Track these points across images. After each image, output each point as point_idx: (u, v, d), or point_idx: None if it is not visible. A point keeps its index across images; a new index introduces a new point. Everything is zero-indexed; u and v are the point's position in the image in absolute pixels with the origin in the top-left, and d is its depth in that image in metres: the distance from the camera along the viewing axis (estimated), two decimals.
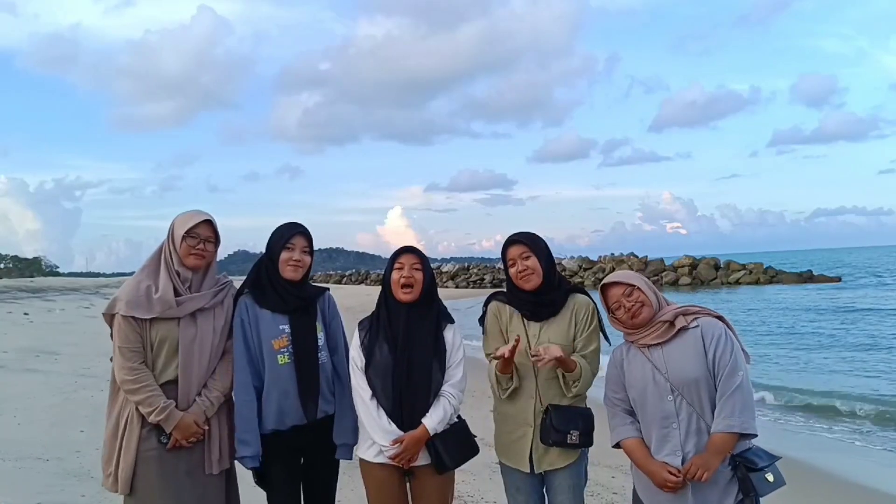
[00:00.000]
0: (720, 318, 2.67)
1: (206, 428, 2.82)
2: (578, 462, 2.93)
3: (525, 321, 2.92)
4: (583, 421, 2.85)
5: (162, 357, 2.77)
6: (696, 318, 2.65)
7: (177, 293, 2.80)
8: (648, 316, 2.66)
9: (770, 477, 2.50)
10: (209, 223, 2.89)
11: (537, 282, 2.89)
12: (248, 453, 2.84)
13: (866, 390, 10.89)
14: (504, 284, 3.08)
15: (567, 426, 2.81)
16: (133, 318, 2.73)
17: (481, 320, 3.04)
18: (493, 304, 3.02)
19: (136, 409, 2.72)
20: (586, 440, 2.85)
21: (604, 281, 2.77)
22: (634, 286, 2.67)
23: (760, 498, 2.53)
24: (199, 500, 2.79)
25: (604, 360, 2.91)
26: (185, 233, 2.82)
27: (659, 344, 2.65)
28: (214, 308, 2.91)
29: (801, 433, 8.24)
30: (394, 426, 2.79)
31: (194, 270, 2.87)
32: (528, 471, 2.89)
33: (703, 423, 2.57)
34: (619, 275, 2.74)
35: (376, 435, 2.79)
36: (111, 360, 2.80)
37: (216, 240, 2.93)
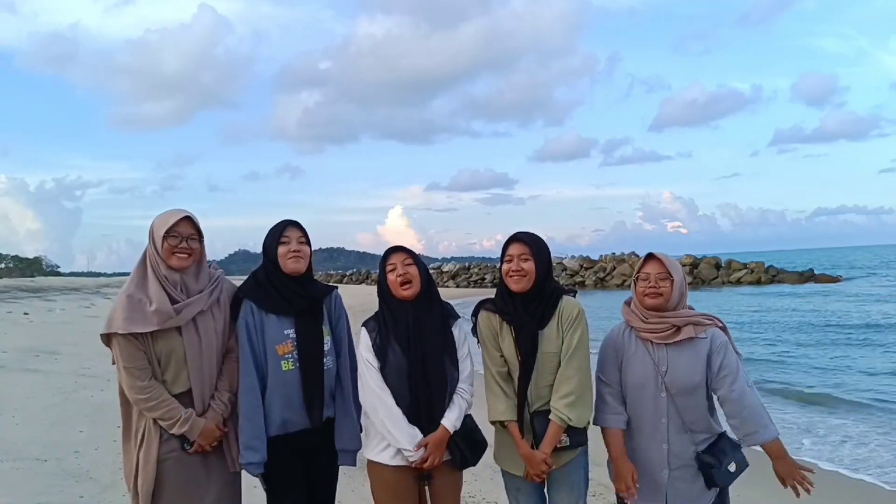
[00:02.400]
0: (723, 328, 2.79)
1: (226, 430, 2.81)
2: (578, 460, 2.90)
3: (513, 330, 2.85)
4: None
5: (171, 370, 2.71)
6: (705, 331, 2.73)
7: (172, 300, 2.70)
8: (657, 306, 2.74)
9: (732, 467, 2.65)
10: (189, 220, 2.79)
11: (526, 286, 2.83)
12: (255, 459, 2.78)
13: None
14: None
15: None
16: (133, 334, 2.64)
17: (473, 330, 2.99)
18: (483, 314, 2.96)
19: (154, 421, 2.69)
20: (578, 439, 2.82)
21: (653, 252, 2.82)
22: (671, 277, 2.74)
23: (728, 487, 2.73)
24: (219, 499, 2.78)
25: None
26: (166, 233, 2.72)
27: (663, 344, 2.73)
28: (212, 309, 2.84)
29: (792, 425, 8.22)
30: (416, 429, 2.76)
31: (180, 271, 2.77)
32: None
33: (687, 422, 2.71)
34: (668, 259, 2.79)
35: (402, 440, 2.75)
36: (113, 362, 2.75)
37: (199, 236, 2.84)
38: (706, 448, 2.70)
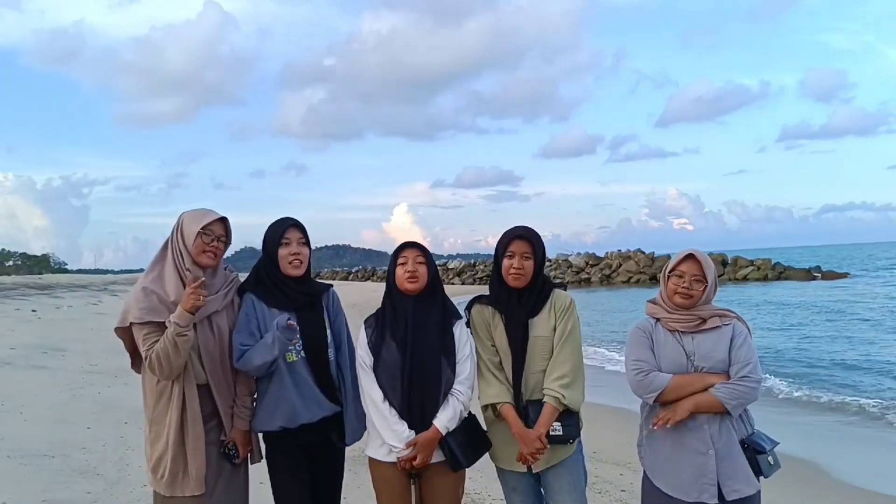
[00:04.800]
0: (748, 330, 2.84)
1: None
2: (575, 458, 2.90)
3: (503, 318, 2.90)
4: (563, 411, 2.80)
5: (186, 363, 2.72)
6: (730, 321, 2.79)
7: None
8: (684, 306, 2.78)
9: (771, 459, 2.71)
10: (223, 221, 2.85)
11: (523, 284, 2.88)
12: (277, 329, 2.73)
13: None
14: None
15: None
16: (150, 323, 2.67)
17: (468, 324, 3.01)
18: (476, 307, 2.99)
19: (193, 408, 2.71)
20: (571, 430, 2.80)
21: (693, 252, 2.80)
22: (705, 282, 2.76)
23: (763, 479, 2.74)
24: (227, 490, 2.82)
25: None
26: (201, 229, 2.77)
27: (688, 332, 2.78)
28: (227, 310, 2.89)
29: (810, 429, 8.18)
30: (404, 426, 2.76)
31: (205, 269, 2.82)
32: (525, 470, 2.86)
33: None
34: (706, 261, 2.80)
35: (389, 438, 2.76)
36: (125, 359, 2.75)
37: (228, 239, 2.89)
38: (747, 437, 2.74)
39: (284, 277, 2.92)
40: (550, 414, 2.77)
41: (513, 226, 2.99)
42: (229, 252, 2.99)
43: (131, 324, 2.70)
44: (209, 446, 2.77)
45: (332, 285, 3.14)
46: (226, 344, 2.84)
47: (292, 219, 2.99)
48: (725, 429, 2.70)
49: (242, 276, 3.06)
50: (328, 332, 2.98)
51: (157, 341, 2.64)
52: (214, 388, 2.79)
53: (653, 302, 2.92)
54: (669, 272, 2.83)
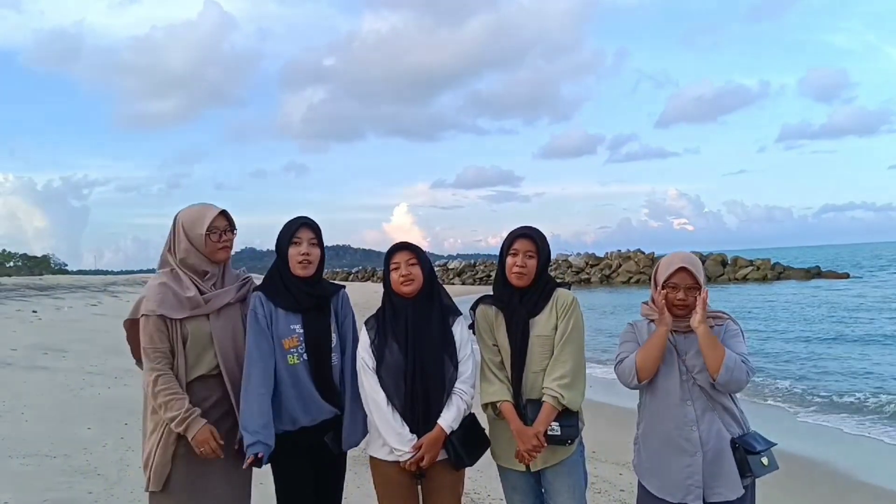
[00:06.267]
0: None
1: (222, 443, 2.74)
2: (575, 459, 2.90)
3: (506, 319, 2.92)
4: (562, 411, 2.80)
5: (194, 351, 2.74)
6: (723, 322, 2.81)
7: (200, 291, 2.78)
8: (685, 315, 2.77)
9: (765, 460, 2.70)
10: (224, 214, 2.87)
11: (526, 283, 2.90)
12: (251, 441, 2.70)
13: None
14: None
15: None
16: (162, 317, 2.70)
17: (471, 327, 3.02)
18: (480, 308, 3.02)
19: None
20: (569, 431, 2.81)
21: (684, 264, 2.76)
22: (699, 292, 2.73)
23: (756, 479, 2.74)
24: (232, 497, 2.81)
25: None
26: (207, 230, 2.79)
27: (682, 332, 2.79)
28: (240, 303, 2.91)
29: (811, 427, 8.19)
30: (407, 429, 2.77)
31: (223, 264, 2.87)
32: (524, 469, 2.87)
33: (714, 402, 2.74)
34: (698, 269, 2.78)
35: (393, 441, 2.77)
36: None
37: (233, 228, 2.91)
38: (739, 437, 2.75)
39: (293, 278, 2.91)
40: (548, 413, 2.78)
41: (518, 225, 3.02)
42: None
43: (142, 315, 2.72)
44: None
45: (343, 287, 3.12)
46: (238, 334, 2.85)
47: (305, 218, 2.98)
48: (716, 430, 2.71)
49: (256, 279, 3.07)
50: (333, 335, 2.97)
51: (153, 347, 2.67)
52: (227, 377, 2.79)
53: (646, 304, 2.94)
54: (666, 281, 2.80)
